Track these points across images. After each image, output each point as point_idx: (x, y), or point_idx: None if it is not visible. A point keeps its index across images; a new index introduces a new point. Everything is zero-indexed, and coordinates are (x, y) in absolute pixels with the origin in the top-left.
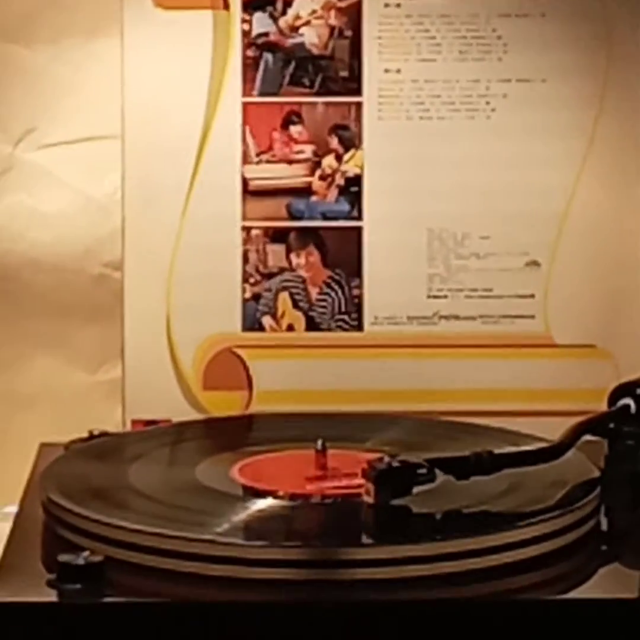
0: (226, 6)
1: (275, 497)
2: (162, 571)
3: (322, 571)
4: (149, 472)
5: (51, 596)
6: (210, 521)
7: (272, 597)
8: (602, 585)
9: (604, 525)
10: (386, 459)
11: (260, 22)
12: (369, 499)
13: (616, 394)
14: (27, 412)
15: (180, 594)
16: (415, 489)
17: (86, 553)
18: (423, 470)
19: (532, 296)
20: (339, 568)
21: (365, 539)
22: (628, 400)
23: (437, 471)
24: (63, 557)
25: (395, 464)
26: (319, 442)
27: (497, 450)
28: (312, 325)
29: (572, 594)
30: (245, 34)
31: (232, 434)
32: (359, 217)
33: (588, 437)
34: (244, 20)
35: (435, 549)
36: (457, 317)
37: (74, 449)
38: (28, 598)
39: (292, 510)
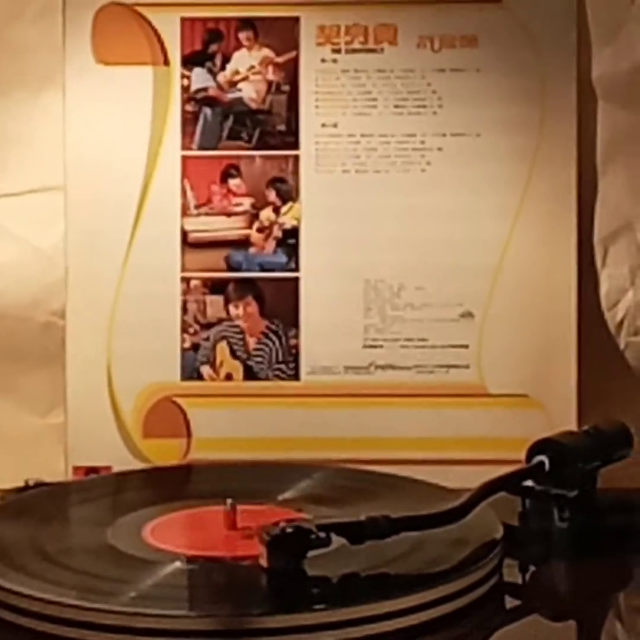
0: (166, 62)
1: (176, 560)
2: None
3: None
4: (64, 533)
5: None
6: (103, 588)
7: None
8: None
9: (517, 580)
10: (281, 524)
11: (200, 78)
12: (263, 563)
13: (533, 450)
14: None
15: None
16: (311, 553)
17: None
18: (317, 535)
19: (466, 346)
20: (228, 638)
21: (254, 608)
22: (543, 457)
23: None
24: None
25: (288, 529)
26: (228, 502)
27: (393, 515)
28: (250, 374)
29: None
30: (185, 89)
31: (157, 487)
32: (296, 269)
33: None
34: (183, 76)
35: (322, 617)
36: (392, 367)
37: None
38: None
39: (190, 576)
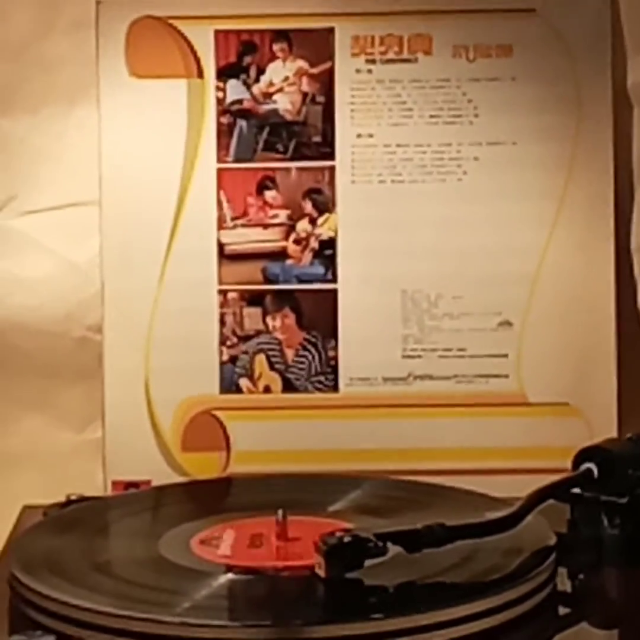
0: (200, 74)
1: (229, 571)
2: None
3: None
4: (113, 546)
5: None
6: (157, 599)
7: None
8: None
9: (568, 588)
10: (338, 533)
11: (234, 90)
12: (321, 573)
13: (579, 458)
14: (14, 471)
15: None
16: (368, 562)
17: (39, 633)
18: (374, 544)
19: (506, 356)
20: None
21: (315, 617)
22: (590, 465)
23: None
24: (14, 637)
25: (346, 538)
26: (280, 512)
27: (449, 523)
28: (288, 386)
29: None
30: (220, 101)
31: (201, 500)
32: (334, 280)
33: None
34: (218, 88)
35: (379, 626)
36: (431, 377)
37: (44, 519)
38: None
39: (245, 586)
